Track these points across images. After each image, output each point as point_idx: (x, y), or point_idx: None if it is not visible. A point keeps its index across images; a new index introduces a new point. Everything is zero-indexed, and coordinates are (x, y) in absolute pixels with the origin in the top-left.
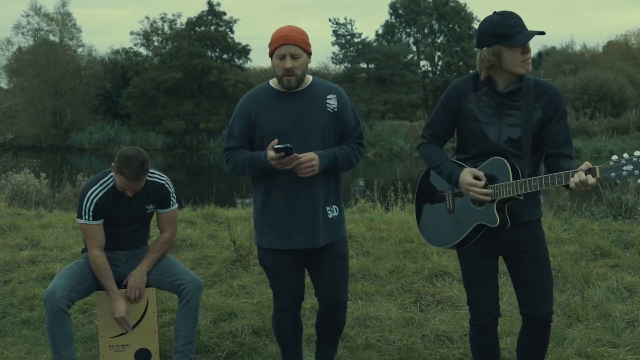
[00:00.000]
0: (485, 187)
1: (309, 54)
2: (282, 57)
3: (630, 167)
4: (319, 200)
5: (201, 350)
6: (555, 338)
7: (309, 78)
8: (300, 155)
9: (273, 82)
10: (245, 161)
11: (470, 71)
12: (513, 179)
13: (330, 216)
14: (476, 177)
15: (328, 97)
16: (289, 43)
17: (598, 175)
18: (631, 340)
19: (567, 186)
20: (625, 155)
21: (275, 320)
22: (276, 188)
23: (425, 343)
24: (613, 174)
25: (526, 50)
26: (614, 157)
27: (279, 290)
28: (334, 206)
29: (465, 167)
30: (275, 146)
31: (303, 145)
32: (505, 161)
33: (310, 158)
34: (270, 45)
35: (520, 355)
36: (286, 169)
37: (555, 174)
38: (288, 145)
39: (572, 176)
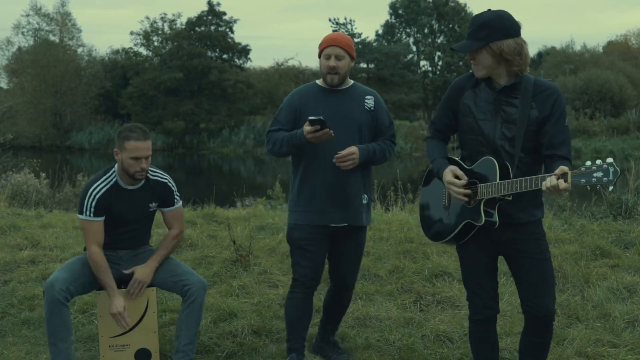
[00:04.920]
0: (468, 186)
1: (352, 58)
2: (328, 57)
3: (599, 174)
4: (354, 184)
5: (201, 350)
6: (555, 338)
7: (350, 81)
8: (343, 152)
9: (319, 81)
10: (284, 138)
11: (470, 71)
12: (501, 179)
13: (364, 202)
14: (457, 176)
15: (366, 97)
16: (335, 45)
17: (569, 181)
18: (631, 340)
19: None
20: (598, 162)
21: (290, 295)
22: (315, 167)
23: (425, 343)
24: (583, 180)
25: (469, 57)
26: (587, 163)
27: (299, 264)
28: (366, 194)
29: (450, 165)
30: (310, 117)
31: (342, 137)
32: (494, 161)
33: (351, 152)
34: (319, 46)
35: (522, 355)
36: (323, 151)
37: (533, 177)
38: (321, 117)
39: (544, 180)
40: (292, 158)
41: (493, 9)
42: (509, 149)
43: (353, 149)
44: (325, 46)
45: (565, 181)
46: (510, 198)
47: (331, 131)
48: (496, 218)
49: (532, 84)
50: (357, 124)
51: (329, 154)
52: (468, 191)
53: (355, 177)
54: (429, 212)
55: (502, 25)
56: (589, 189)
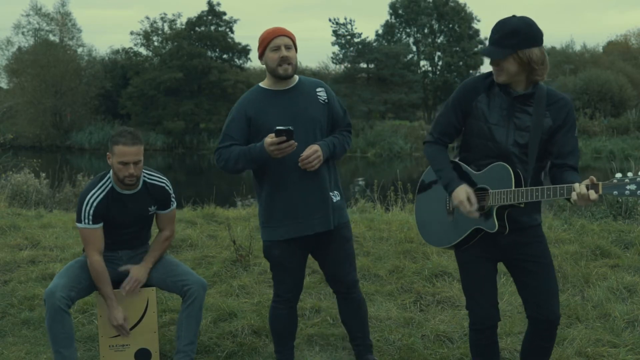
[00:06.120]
0: (478, 192)
1: (296, 50)
2: (277, 48)
3: (633, 187)
4: (325, 185)
5: (201, 350)
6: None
7: (296, 77)
8: (304, 152)
9: (263, 84)
10: (240, 153)
11: (471, 71)
12: (515, 187)
13: (334, 200)
14: (469, 198)
15: (317, 90)
16: (283, 34)
17: (600, 192)
18: (631, 340)
19: (568, 199)
20: (629, 174)
21: (273, 310)
22: (284, 179)
23: (425, 343)
24: (615, 192)
25: (492, 63)
26: (618, 175)
27: (281, 280)
28: (336, 191)
29: (462, 184)
30: (277, 127)
31: (303, 137)
32: (509, 167)
33: (314, 150)
34: (261, 44)
35: (525, 357)
36: (290, 156)
37: (558, 185)
38: (290, 127)
39: (574, 189)
40: (253, 170)
41: (511, 14)
42: (522, 156)
43: (315, 147)
44: (271, 38)
45: (596, 192)
46: (523, 205)
47: (295, 143)
48: (507, 224)
49: (546, 93)
50: (316, 120)
51: (297, 159)
52: (477, 214)
53: (324, 176)
54: (429, 216)
55: (531, 34)
56: (619, 200)
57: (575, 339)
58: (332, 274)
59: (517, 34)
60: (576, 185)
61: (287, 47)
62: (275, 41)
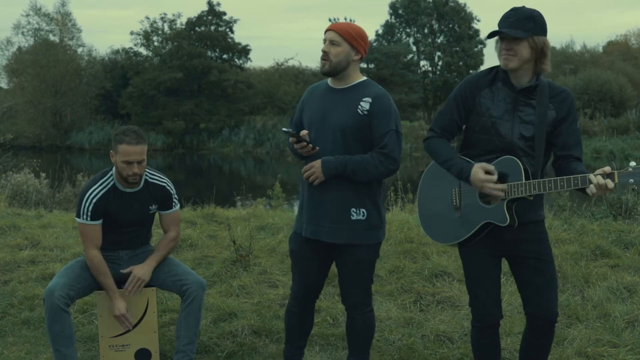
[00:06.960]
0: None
1: (354, 48)
2: (324, 42)
3: None
4: (342, 198)
5: (201, 350)
6: (555, 338)
7: (360, 77)
8: (305, 167)
9: (329, 79)
10: (292, 147)
11: (471, 71)
12: (525, 179)
13: (353, 218)
14: (487, 172)
15: (364, 99)
16: (331, 29)
17: (616, 181)
18: (631, 340)
19: (582, 190)
20: None
21: (288, 306)
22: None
23: (425, 343)
24: (632, 180)
25: (505, 46)
26: (632, 164)
27: (294, 277)
28: (362, 209)
29: (475, 164)
30: (283, 129)
31: (322, 141)
32: (518, 160)
33: (310, 166)
34: None
35: (524, 356)
36: (309, 158)
37: (571, 176)
38: (289, 130)
39: (590, 180)
40: None
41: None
42: (527, 149)
43: (315, 162)
44: (324, 33)
45: (613, 181)
46: (532, 198)
47: (309, 145)
48: (516, 218)
49: (547, 86)
50: (340, 127)
51: (312, 161)
52: (504, 186)
53: (343, 189)
54: (434, 214)
55: (543, 23)
56: (635, 188)
57: (575, 339)
58: (340, 287)
59: (534, 19)
60: (592, 175)
61: (332, 42)
62: (325, 35)
